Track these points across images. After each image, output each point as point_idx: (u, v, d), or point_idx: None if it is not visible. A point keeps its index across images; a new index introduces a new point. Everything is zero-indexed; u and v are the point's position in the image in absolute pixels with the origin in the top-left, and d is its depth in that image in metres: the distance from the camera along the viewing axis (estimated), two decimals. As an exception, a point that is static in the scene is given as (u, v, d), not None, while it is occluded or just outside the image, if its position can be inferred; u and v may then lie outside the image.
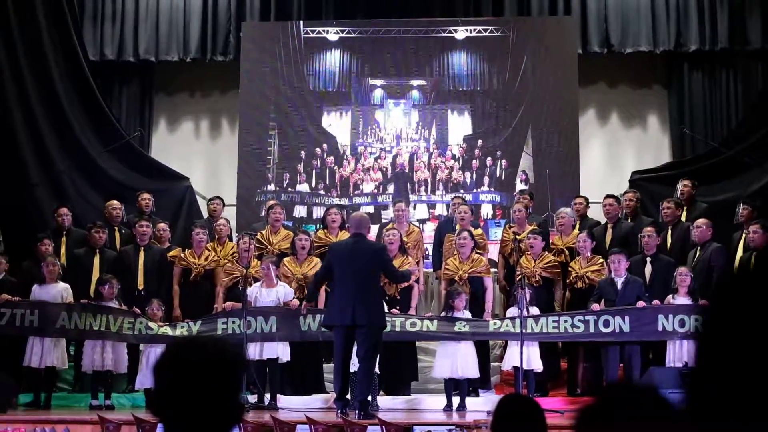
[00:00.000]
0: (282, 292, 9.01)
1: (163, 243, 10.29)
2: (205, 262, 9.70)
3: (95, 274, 9.75)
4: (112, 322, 8.97)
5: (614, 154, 13.09)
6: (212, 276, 9.73)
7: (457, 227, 9.85)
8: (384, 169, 12.73)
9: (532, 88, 12.52)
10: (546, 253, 9.62)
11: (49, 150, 11.78)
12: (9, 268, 9.55)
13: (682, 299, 8.82)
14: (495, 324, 8.95)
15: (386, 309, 8.52)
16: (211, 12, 12.83)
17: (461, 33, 12.66)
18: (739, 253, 9.53)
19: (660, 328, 8.67)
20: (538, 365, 8.74)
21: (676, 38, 12.43)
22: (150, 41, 12.82)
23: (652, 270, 9.39)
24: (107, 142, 12.16)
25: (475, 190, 12.46)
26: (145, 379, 8.78)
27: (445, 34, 12.71)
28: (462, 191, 12.16)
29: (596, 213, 10.81)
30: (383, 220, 11.64)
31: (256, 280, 9.19)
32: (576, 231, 9.99)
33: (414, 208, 12.42)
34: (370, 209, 12.29)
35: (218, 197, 11.06)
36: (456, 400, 8.56)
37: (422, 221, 12.22)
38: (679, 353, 8.58)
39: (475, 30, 12.70)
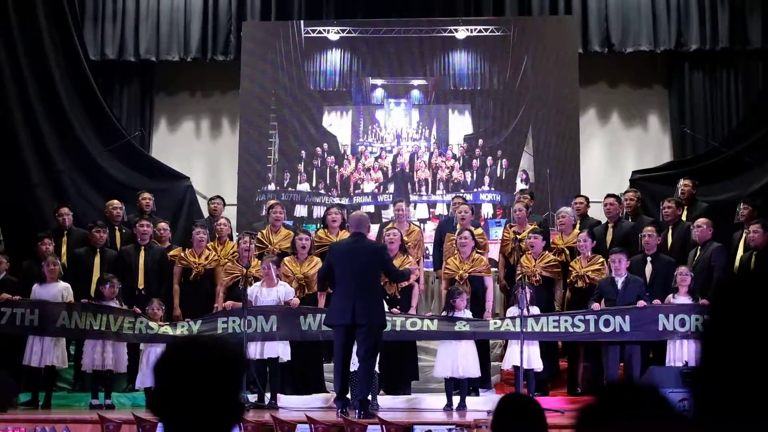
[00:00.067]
0: (282, 292, 9.01)
1: (164, 242, 10.29)
2: (205, 262, 9.71)
3: (96, 274, 9.75)
4: (113, 321, 8.97)
5: (615, 153, 13.09)
6: (212, 275, 9.73)
7: (458, 227, 9.85)
8: (384, 168, 12.73)
9: (533, 87, 12.52)
10: (546, 252, 9.62)
11: (50, 150, 11.79)
12: (9, 268, 9.56)
13: (682, 299, 8.82)
14: (495, 323, 8.95)
15: (387, 308, 8.52)
16: (212, 12, 12.83)
17: (462, 32, 12.66)
18: (740, 252, 9.53)
19: (660, 328, 8.67)
20: (538, 365, 8.74)
21: (677, 38, 12.42)
22: (151, 41, 12.82)
23: (653, 269, 9.39)
24: (108, 142, 12.17)
25: (475, 190, 12.46)
26: (145, 379, 8.78)
27: (446, 34, 12.71)
28: (462, 191, 12.16)
29: (597, 212, 10.81)
30: (384, 220, 11.64)
31: (256, 279, 9.19)
32: (576, 230, 9.99)
33: (414, 208, 12.42)
34: (371, 209, 12.29)
35: (219, 197, 11.06)
36: (456, 400, 8.56)
37: (423, 221, 12.22)
38: (679, 353, 8.58)
39: (475, 29, 12.70)
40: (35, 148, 11.72)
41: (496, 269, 10.22)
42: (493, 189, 12.50)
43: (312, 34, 12.80)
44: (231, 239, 10.30)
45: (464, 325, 8.79)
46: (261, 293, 9.00)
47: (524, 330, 8.45)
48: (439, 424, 7.44)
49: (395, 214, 10.54)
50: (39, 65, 11.80)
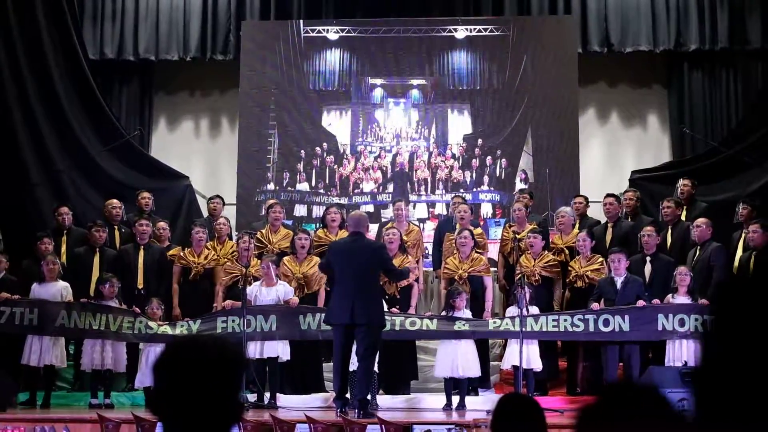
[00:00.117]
0: (282, 291, 9.00)
1: (163, 242, 10.28)
2: (204, 261, 9.71)
3: (95, 273, 9.75)
4: (112, 321, 8.97)
5: (614, 153, 13.09)
6: (212, 275, 9.73)
7: (457, 226, 9.85)
8: (384, 168, 12.73)
9: (532, 87, 12.52)
10: (546, 252, 9.62)
11: (49, 149, 11.79)
12: (9, 267, 9.55)
13: (681, 298, 8.82)
14: (495, 323, 8.95)
15: (386, 308, 8.53)
16: (211, 11, 12.83)
17: (461, 32, 12.67)
18: (739, 252, 9.54)
19: (660, 328, 8.67)
20: (537, 364, 8.74)
21: (676, 38, 12.43)
22: (150, 40, 12.82)
23: (652, 269, 9.39)
24: (107, 141, 12.16)
25: (474, 190, 12.46)
26: (144, 378, 8.78)
27: (445, 34, 12.71)
28: (462, 190, 12.16)
29: (596, 212, 10.81)
30: (383, 219, 11.64)
31: (255, 279, 9.19)
32: (576, 230, 9.99)
33: (414, 208, 12.43)
34: (370, 208, 12.30)
35: (218, 196, 11.05)
36: (456, 399, 8.56)
37: (422, 220, 12.22)
38: (678, 353, 8.58)
39: (475, 29, 12.70)
40: (35, 148, 11.72)
41: (495, 269, 10.22)
42: (492, 189, 12.50)
43: (311, 34, 12.80)
44: (230, 239, 10.30)
45: (463, 325, 8.79)
46: (260, 293, 8.99)
47: (523, 329, 8.45)
48: (438, 423, 7.44)
49: (394, 213, 10.54)
50: (38, 65, 11.79)
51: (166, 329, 9.01)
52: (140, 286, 9.87)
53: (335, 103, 12.89)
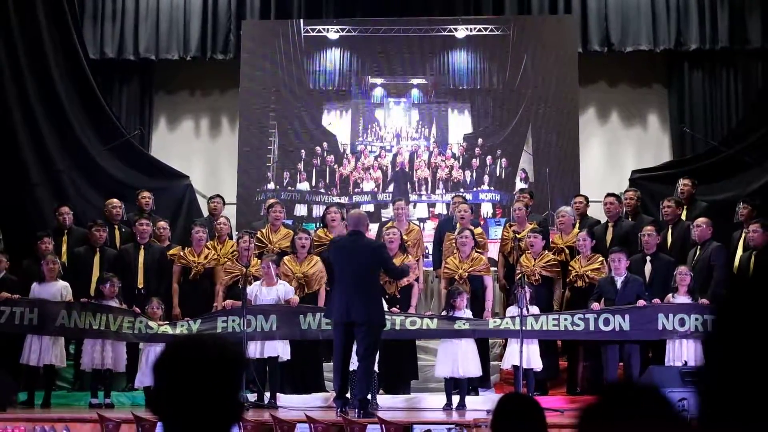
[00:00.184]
0: (282, 291, 9.00)
1: (163, 241, 10.28)
2: (204, 261, 9.71)
3: (95, 273, 9.75)
4: (112, 321, 8.97)
5: (614, 153, 13.09)
6: (212, 274, 9.73)
7: (458, 226, 9.85)
8: (384, 167, 12.73)
9: (533, 86, 12.52)
10: (546, 251, 9.62)
11: (50, 149, 11.79)
12: (9, 267, 9.55)
13: (682, 298, 8.82)
14: (495, 322, 8.95)
15: (386, 308, 8.52)
16: (212, 10, 12.83)
17: (461, 32, 12.66)
18: (739, 252, 9.54)
19: (660, 327, 8.67)
20: (537, 364, 8.73)
21: (677, 37, 12.43)
22: (150, 40, 12.82)
23: (652, 269, 9.39)
24: (107, 141, 12.16)
25: (475, 189, 12.46)
26: (144, 378, 8.77)
27: (446, 33, 12.71)
28: (462, 190, 12.16)
29: (596, 212, 10.81)
30: (383, 219, 11.64)
31: (256, 278, 9.18)
32: (576, 230, 9.99)
33: (414, 207, 12.42)
34: (370, 208, 12.30)
35: (219, 196, 11.05)
36: (456, 399, 8.56)
37: (422, 220, 12.22)
38: (678, 352, 8.58)
39: (475, 29, 12.70)
40: (35, 148, 11.72)
41: (495, 269, 10.22)
42: (492, 188, 12.50)
43: (312, 33, 12.80)
44: (230, 238, 10.30)
45: (464, 324, 8.79)
46: (260, 292, 8.99)
47: (524, 329, 8.44)
48: (438, 423, 7.44)
49: (395, 213, 10.54)
50: (39, 64, 11.79)
51: (167, 329, 9.01)
52: (140, 285, 9.87)
53: (335, 102, 12.89)
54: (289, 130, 12.76)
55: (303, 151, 12.71)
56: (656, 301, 8.86)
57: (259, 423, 7.24)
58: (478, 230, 10.09)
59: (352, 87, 12.84)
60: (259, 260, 9.29)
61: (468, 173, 12.56)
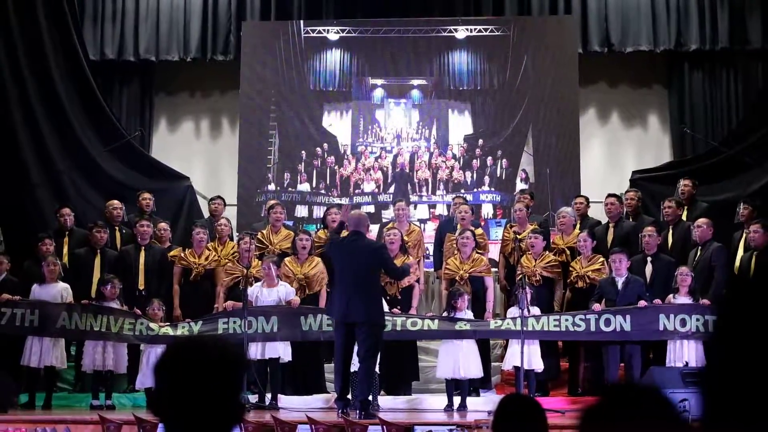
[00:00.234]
0: (283, 292, 9.01)
1: (164, 243, 10.28)
2: (205, 262, 9.70)
3: (96, 274, 9.75)
4: (113, 322, 8.96)
5: (615, 153, 13.09)
6: (212, 276, 9.73)
7: (458, 227, 9.85)
8: (384, 168, 12.73)
9: (533, 87, 12.52)
10: (547, 252, 9.62)
11: (50, 150, 11.79)
12: (10, 268, 9.55)
13: (682, 299, 8.82)
14: (496, 323, 8.95)
15: (387, 309, 8.52)
16: (212, 11, 12.83)
17: (462, 32, 12.66)
18: (740, 252, 9.54)
19: (661, 328, 8.67)
20: (538, 365, 8.73)
21: (677, 38, 12.42)
22: (150, 41, 12.82)
23: (653, 269, 9.39)
24: (108, 142, 12.16)
25: (475, 190, 12.46)
26: (145, 379, 8.77)
27: (446, 34, 12.71)
28: (462, 191, 12.17)
29: (597, 212, 10.81)
30: (384, 220, 11.64)
31: (256, 279, 9.18)
32: (577, 230, 9.99)
33: (415, 208, 12.42)
34: (371, 209, 12.29)
35: (219, 197, 11.05)
36: (457, 400, 8.55)
37: (423, 221, 12.21)
38: (679, 353, 8.58)
39: (475, 29, 12.70)
40: (35, 148, 11.72)
41: (496, 269, 10.22)
42: (493, 189, 12.50)
43: (312, 34, 12.80)
44: (231, 239, 10.29)
45: (465, 325, 8.79)
46: (261, 293, 8.99)
47: (524, 330, 8.44)
48: (439, 424, 7.45)
49: (395, 214, 10.54)
50: (39, 65, 11.80)
51: (167, 330, 9.01)
52: (141, 287, 9.87)
53: (336, 103, 12.89)
54: (289, 131, 12.76)
55: (303, 152, 12.71)
56: (657, 301, 8.86)
57: (260, 424, 7.24)
58: (479, 231, 10.09)
59: (353, 88, 12.84)
60: (260, 261, 9.29)
61: (468, 174, 12.56)
